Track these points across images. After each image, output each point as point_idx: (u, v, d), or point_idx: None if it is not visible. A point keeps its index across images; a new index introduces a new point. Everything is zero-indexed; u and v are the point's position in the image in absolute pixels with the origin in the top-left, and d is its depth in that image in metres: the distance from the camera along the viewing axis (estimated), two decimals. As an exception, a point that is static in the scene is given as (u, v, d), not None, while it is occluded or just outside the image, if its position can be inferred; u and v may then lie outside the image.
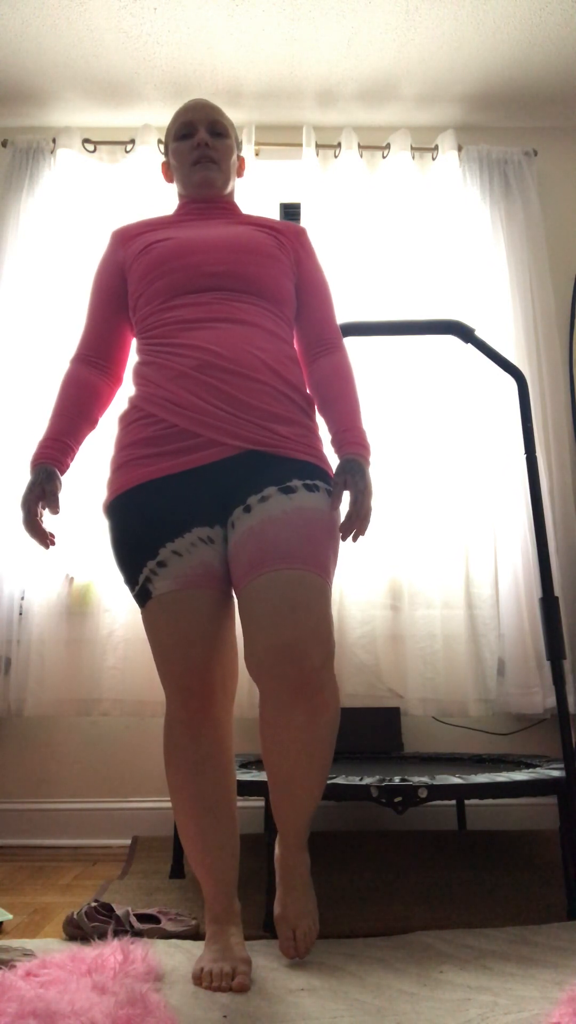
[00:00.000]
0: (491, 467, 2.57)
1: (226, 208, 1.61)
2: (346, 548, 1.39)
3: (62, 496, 1.42)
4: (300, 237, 1.60)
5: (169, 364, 1.39)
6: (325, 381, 1.51)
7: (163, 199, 2.64)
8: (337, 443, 1.46)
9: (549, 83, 2.81)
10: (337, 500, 1.38)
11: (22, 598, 2.42)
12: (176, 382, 1.37)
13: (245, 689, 2.18)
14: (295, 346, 1.54)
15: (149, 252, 1.48)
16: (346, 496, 1.42)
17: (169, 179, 1.67)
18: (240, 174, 1.68)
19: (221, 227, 1.53)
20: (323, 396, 1.50)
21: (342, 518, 1.40)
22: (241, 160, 1.67)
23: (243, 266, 1.45)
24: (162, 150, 2.80)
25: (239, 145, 1.66)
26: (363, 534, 1.40)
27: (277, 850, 1.37)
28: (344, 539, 1.39)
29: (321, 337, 1.55)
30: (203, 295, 1.43)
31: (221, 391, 1.35)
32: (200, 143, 1.56)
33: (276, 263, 1.49)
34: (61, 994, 1.05)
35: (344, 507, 1.41)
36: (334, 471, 1.42)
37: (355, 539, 1.39)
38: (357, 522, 1.38)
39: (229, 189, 1.63)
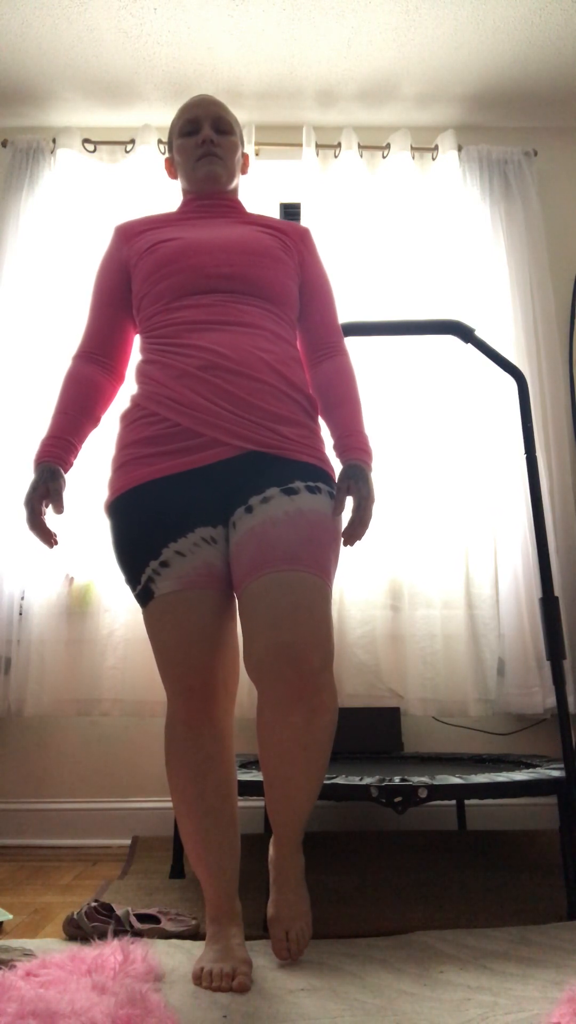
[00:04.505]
0: (491, 467, 2.57)
1: (230, 206, 1.61)
2: (346, 549, 1.40)
3: (65, 495, 1.42)
4: (304, 238, 1.60)
5: (173, 363, 1.39)
6: (328, 385, 1.51)
7: (164, 199, 2.65)
8: (340, 448, 1.46)
9: (549, 83, 2.81)
10: (340, 506, 1.38)
11: (22, 598, 2.42)
12: (180, 381, 1.37)
13: (245, 689, 2.18)
14: (298, 347, 1.54)
15: (154, 252, 1.47)
16: (348, 501, 1.42)
17: (173, 175, 1.67)
18: (244, 171, 1.68)
19: (226, 227, 1.52)
20: (326, 400, 1.50)
21: (344, 523, 1.40)
22: (245, 157, 1.67)
23: (248, 268, 1.45)
24: (162, 150, 2.80)
25: (243, 142, 1.66)
26: (360, 539, 1.40)
27: (271, 851, 1.37)
28: (345, 545, 1.39)
29: (324, 340, 1.55)
30: (208, 296, 1.43)
31: (225, 391, 1.35)
32: (205, 139, 1.56)
33: (281, 266, 1.49)
34: (61, 994, 1.05)
35: (346, 513, 1.41)
36: (337, 476, 1.42)
37: (353, 544, 1.40)
38: (359, 528, 1.38)
39: (233, 185, 1.62)
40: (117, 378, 1.55)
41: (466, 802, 2.33)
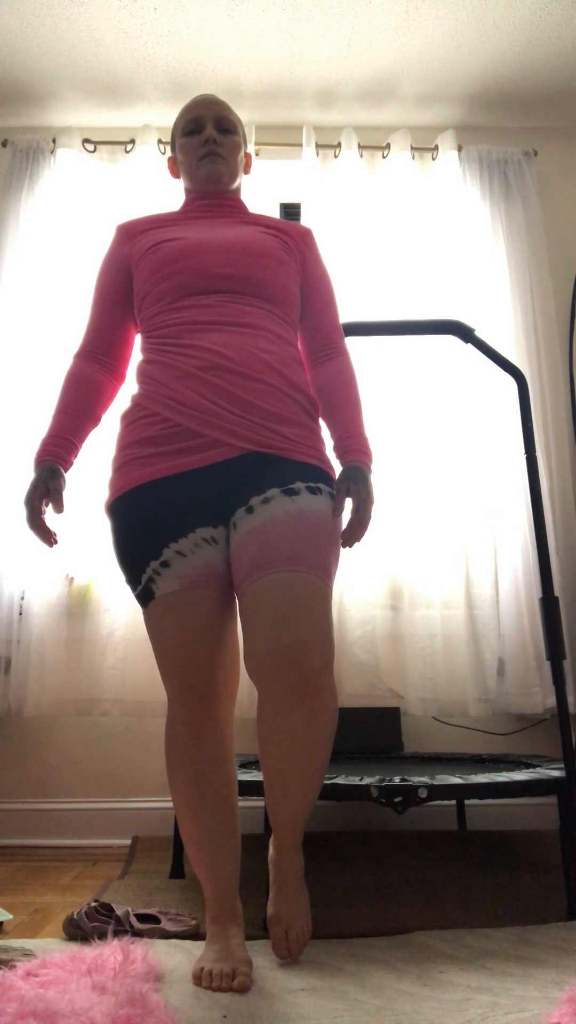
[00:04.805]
0: (491, 467, 2.57)
1: (232, 206, 1.61)
2: (345, 550, 1.41)
3: (65, 494, 1.42)
4: (306, 239, 1.60)
5: (174, 363, 1.39)
6: (329, 386, 1.51)
7: (164, 199, 2.65)
8: (340, 449, 1.46)
9: (549, 83, 2.81)
10: (339, 507, 1.38)
11: (22, 598, 2.42)
12: (181, 381, 1.37)
13: (245, 689, 2.18)
14: (299, 348, 1.54)
15: (156, 251, 1.48)
16: (348, 503, 1.42)
17: (175, 175, 1.67)
18: (247, 171, 1.67)
19: (228, 228, 1.52)
20: (327, 401, 1.50)
21: (344, 525, 1.40)
22: (248, 157, 1.67)
23: (250, 269, 1.45)
24: (162, 150, 2.80)
25: (246, 142, 1.66)
26: (360, 540, 1.40)
27: (271, 851, 1.37)
28: (344, 546, 1.39)
29: (325, 341, 1.55)
30: (209, 297, 1.43)
31: (226, 391, 1.35)
32: (208, 139, 1.56)
33: (283, 266, 1.49)
34: (61, 994, 1.05)
35: (346, 514, 1.41)
36: (337, 476, 1.42)
37: (352, 545, 1.40)
38: (359, 530, 1.38)
39: (236, 185, 1.62)
40: (118, 377, 1.55)
41: (466, 802, 2.33)
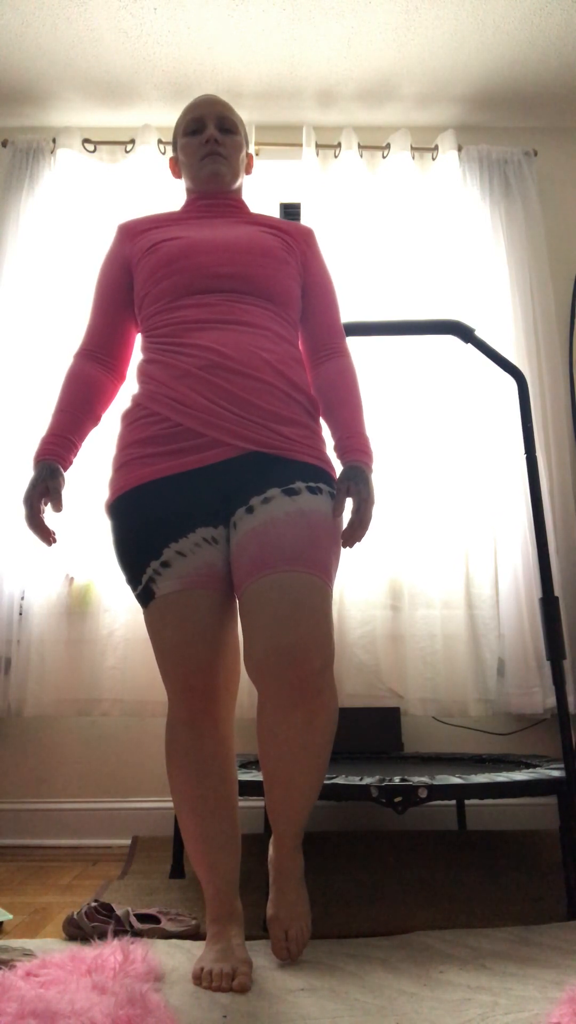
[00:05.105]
0: (491, 467, 2.57)
1: (234, 206, 1.61)
2: (346, 550, 1.42)
3: (65, 493, 1.42)
4: (308, 239, 1.60)
5: (175, 363, 1.39)
6: (329, 386, 1.51)
7: (164, 199, 2.65)
8: (340, 449, 1.46)
9: (549, 83, 2.81)
10: (340, 507, 1.38)
11: (22, 598, 2.42)
12: (182, 381, 1.37)
13: (245, 689, 2.17)
14: (300, 347, 1.54)
15: (156, 251, 1.48)
16: (348, 503, 1.42)
17: (177, 175, 1.67)
18: (248, 171, 1.67)
19: (229, 227, 1.52)
20: (327, 401, 1.50)
21: (344, 524, 1.40)
22: (250, 157, 1.67)
23: (250, 268, 1.45)
24: (162, 150, 2.81)
25: (248, 142, 1.66)
26: (360, 541, 1.40)
27: (271, 852, 1.37)
28: (344, 546, 1.39)
29: (326, 341, 1.55)
30: (210, 296, 1.43)
31: (227, 391, 1.35)
32: (209, 138, 1.56)
33: (283, 266, 1.49)
34: (61, 994, 1.05)
35: (346, 514, 1.41)
36: (337, 476, 1.42)
37: (352, 545, 1.40)
38: (359, 530, 1.38)
39: (237, 184, 1.62)
40: (118, 377, 1.55)
41: (466, 802, 2.33)
